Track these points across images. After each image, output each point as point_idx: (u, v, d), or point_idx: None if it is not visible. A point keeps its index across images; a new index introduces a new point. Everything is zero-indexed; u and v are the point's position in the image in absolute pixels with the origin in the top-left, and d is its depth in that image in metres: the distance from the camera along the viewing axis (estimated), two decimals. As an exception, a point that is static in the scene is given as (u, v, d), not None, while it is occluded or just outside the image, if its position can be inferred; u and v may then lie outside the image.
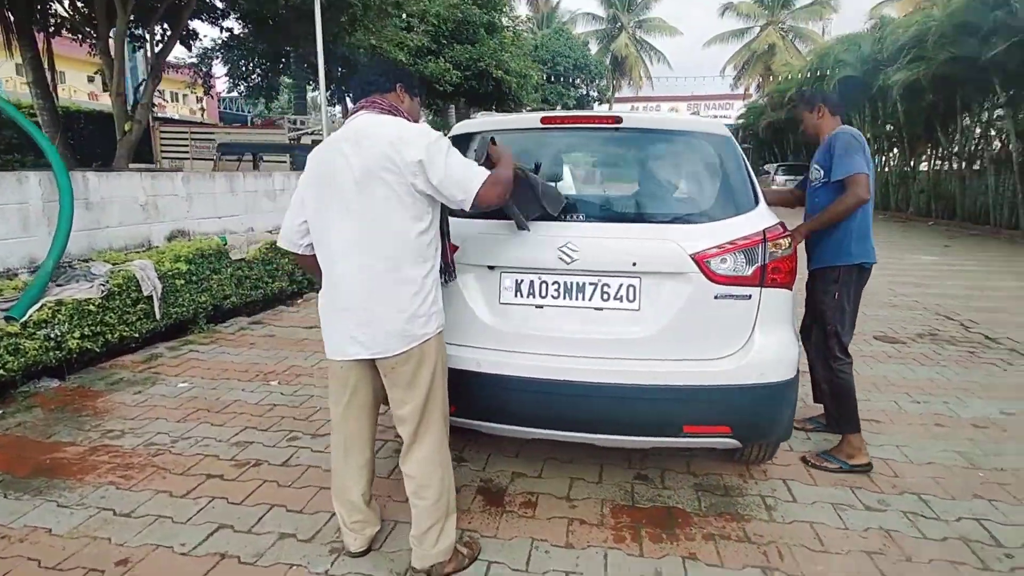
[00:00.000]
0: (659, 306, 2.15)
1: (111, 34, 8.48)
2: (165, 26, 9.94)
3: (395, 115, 1.89)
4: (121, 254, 4.73)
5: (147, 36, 9.41)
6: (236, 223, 6.33)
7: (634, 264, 2.13)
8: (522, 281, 2.26)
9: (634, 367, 2.14)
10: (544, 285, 2.24)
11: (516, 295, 2.26)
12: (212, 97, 28.67)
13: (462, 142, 2.52)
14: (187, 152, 12.31)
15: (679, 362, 2.14)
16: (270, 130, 13.72)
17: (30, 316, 3.64)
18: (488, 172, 1.82)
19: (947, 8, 12.44)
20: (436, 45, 14.22)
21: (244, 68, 16.94)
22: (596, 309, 2.20)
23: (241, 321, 5.41)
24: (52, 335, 3.73)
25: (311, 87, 16.05)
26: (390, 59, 2.10)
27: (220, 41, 14.04)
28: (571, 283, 2.21)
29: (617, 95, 44.13)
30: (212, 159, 11.42)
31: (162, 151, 12.38)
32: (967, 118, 14.95)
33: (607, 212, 2.20)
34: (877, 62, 16.09)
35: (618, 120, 2.36)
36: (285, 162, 11.00)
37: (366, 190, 1.78)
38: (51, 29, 9.10)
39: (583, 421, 2.20)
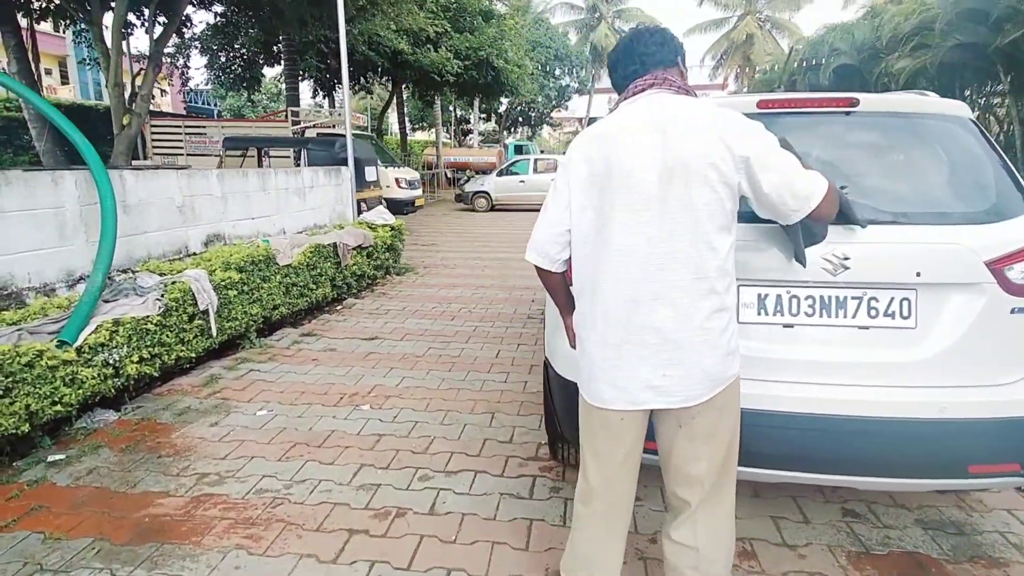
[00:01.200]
0: (942, 323, 1.81)
1: (105, 21, 7.77)
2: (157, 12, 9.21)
3: (692, 97, 1.50)
4: (165, 263, 4.20)
5: (144, 23, 8.67)
6: (269, 224, 5.80)
7: (918, 274, 1.78)
8: (767, 296, 1.89)
9: (911, 397, 1.80)
10: (795, 300, 1.88)
11: (759, 312, 1.90)
12: (179, 88, 27.45)
13: None
14: (181, 147, 11.53)
15: (963, 390, 1.81)
16: (273, 123, 12.93)
17: (84, 340, 3.12)
18: (826, 180, 1.42)
19: (954, -5, 12.43)
20: (435, 33, 13.66)
21: (226, 57, 16.10)
22: (861, 328, 1.85)
23: (290, 333, 4.92)
24: (111, 360, 3.22)
25: (303, 77, 15.32)
26: (659, 27, 1.78)
27: (209, 27, 13.21)
28: (830, 297, 1.86)
29: (597, 86, 43.85)
30: (214, 155, 10.70)
31: (154, 147, 11.58)
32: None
33: (878, 212, 1.86)
34: (876, 50, 16.13)
35: (853, 102, 2.01)
36: (289, 157, 10.37)
37: (677, 191, 1.38)
38: (36, 15, 8.30)
39: (847, 462, 1.85)
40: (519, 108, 36.67)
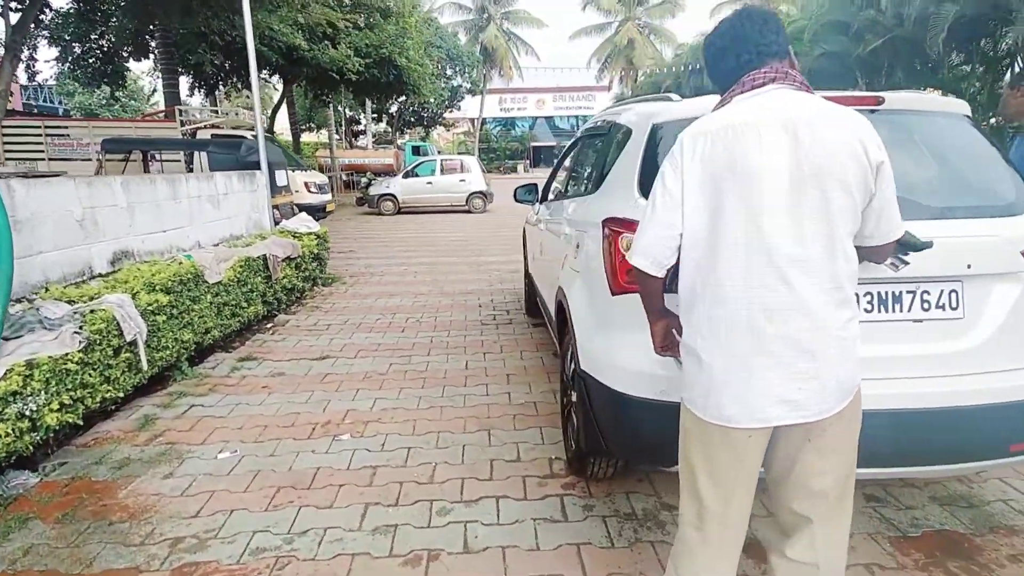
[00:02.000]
0: (985, 313, 1.90)
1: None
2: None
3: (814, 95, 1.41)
4: (71, 288, 3.54)
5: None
6: (182, 237, 5.13)
7: (968, 266, 1.85)
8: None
9: (960, 386, 1.87)
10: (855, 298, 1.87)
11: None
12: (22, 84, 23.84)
13: (667, 133, 2.07)
14: (42, 151, 9.94)
15: (1005, 374, 1.90)
16: (155, 123, 11.48)
17: (-10, 389, 2.52)
18: None
19: (820, 7, 13.82)
20: (333, 29, 12.93)
21: (82, 49, 14.21)
22: (915, 321, 1.89)
23: (225, 358, 4.36)
24: (26, 411, 2.63)
25: (183, 73, 13.83)
26: (768, 11, 1.56)
27: (60, 14, 11.57)
28: (886, 293, 1.88)
29: (489, 86, 44.13)
30: (83, 159, 9.33)
31: (7, 151, 9.88)
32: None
33: (922, 208, 1.90)
34: (752, 56, 17.56)
35: (879, 100, 2.06)
36: (180, 161, 9.32)
37: (812, 195, 1.29)
38: None
39: (904, 454, 1.89)
40: (412, 109, 35.93)
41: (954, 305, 1.89)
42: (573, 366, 2.51)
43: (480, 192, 16.40)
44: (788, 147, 1.30)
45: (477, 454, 2.90)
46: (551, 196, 4.43)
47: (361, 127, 38.84)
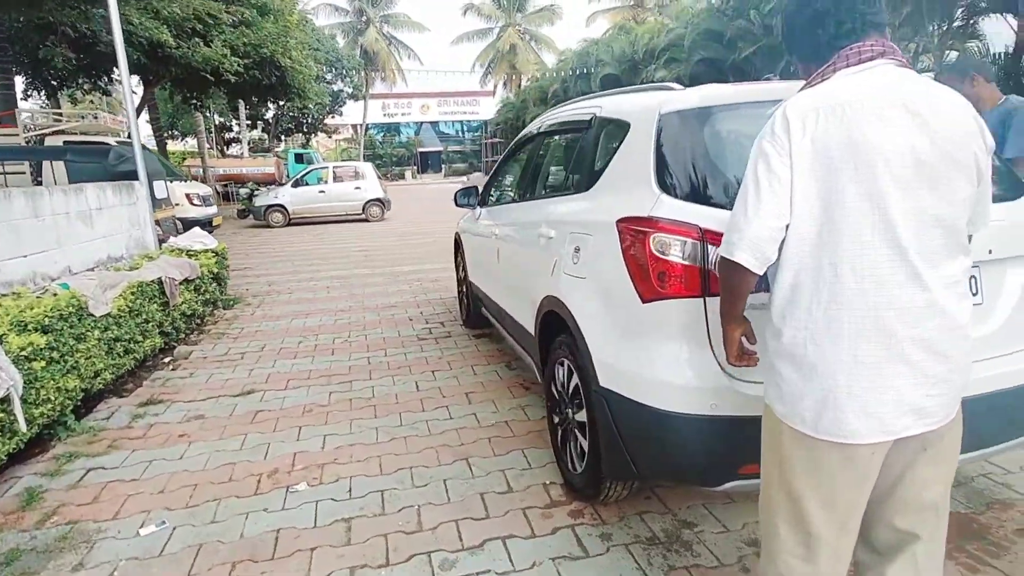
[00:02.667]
0: (1001, 297, 1.92)
1: None
2: None
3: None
4: (-92, 335, 2.73)
5: None
6: (48, 262, 4.25)
7: (990, 251, 1.85)
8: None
9: (986, 371, 1.87)
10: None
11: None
12: None
13: (681, 124, 1.93)
14: None
15: (1019, 355, 1.94)
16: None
17: None
18: None
19: (695, 16, 14.76)
20: (204, 25, 11.70)
21: None
22: (942, 310, 1.86)
23: (121, 405, 3.64)
24: None
25: (19, 72, 11.81)
26: None
27: None
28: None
29: (372, 91, 42.83)
30: None
31: None
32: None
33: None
34: (635, 62, 18.43)
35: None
36: (25, 173, 7.91)
37: (939, 183, 1.16)
38: None
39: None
40: (290, 114, 33.91)
41: (974, 291, 1.89)
42: (576, 383, 2.28)
43: (377, 199, 15.73)
44: (913, 128, 1.16)
45: (463, 489, 2.58)
46: (492, 199, 4.19)
47: (234, 134, 36.01)
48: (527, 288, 2.91)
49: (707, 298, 1.73)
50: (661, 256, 1.78)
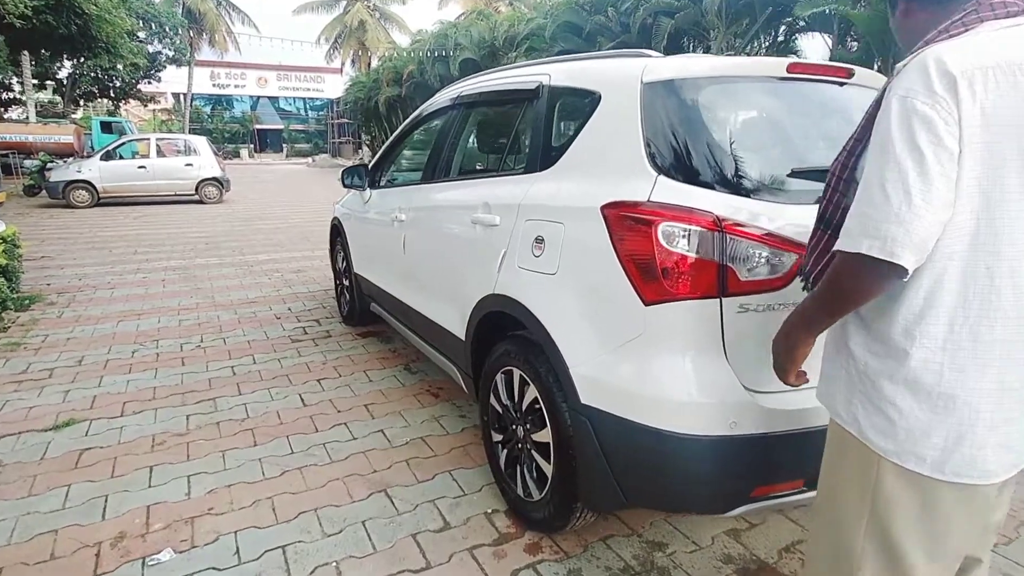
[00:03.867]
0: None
1: None
2: None
3: None
4: None
5: None
6: None
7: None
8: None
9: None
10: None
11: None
12: None
13: (672, 96, 1.68)
14: None
15: None
16: None
17: None
18: None
19: (555, 9, 14.94)
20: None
21: None
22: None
23: None
24: None
25: None
26: None
27: None
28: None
29: (198, 57, 37.99)
30: None
31: None
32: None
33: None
34: (494, 48, 18.29)
35: (850, 73, 1.94)
36: None
37: None
38: None
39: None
40: (93, 75, 28.77)
41: None
42: (535, 398, 1.93)
43: (214, 179, 13.86)
44: None
45: (389, 531, 2.11)
46: (388, 180, 3.66)
47: (15, 94, 29.58)
48: (454, 284, 2.49)
49: (723, 299, 1.48)
50: (670, 249, 1.48)
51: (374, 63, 35.71)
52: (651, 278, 1.51)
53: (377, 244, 3.51)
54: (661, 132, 1.64)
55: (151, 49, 30.48)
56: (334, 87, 45.10)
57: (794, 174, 1.60)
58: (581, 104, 1.94)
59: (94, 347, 3.97)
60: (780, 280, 1.50)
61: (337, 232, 4.41)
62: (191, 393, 3.25)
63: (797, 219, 1.49)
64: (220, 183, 13.97)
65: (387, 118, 27.47)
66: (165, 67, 33.16)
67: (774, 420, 1.47)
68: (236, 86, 46.59)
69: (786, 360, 1.19)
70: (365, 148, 34.58)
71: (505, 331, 2.15)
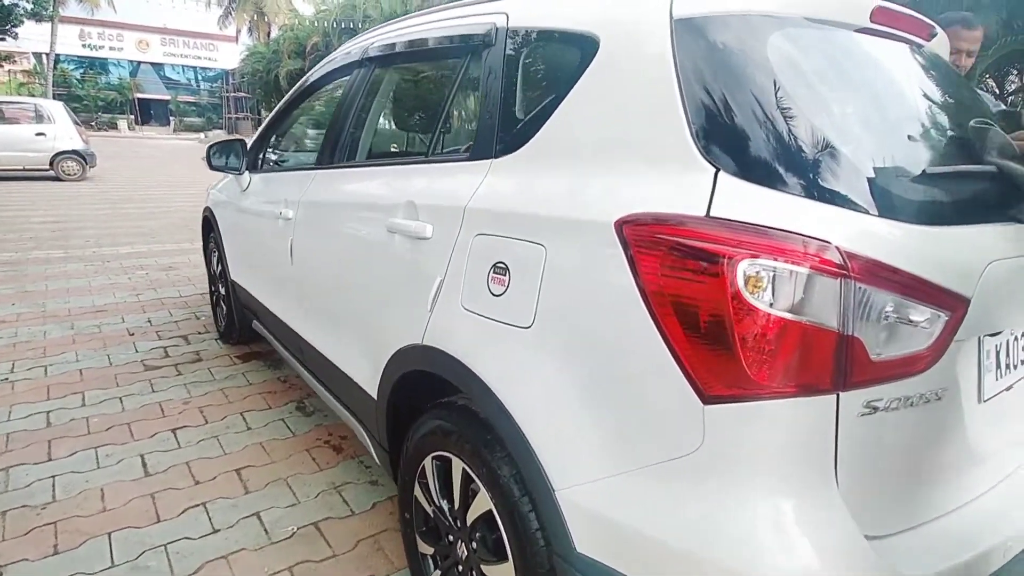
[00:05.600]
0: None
1: None
2: None
3: None
4: None
5: None
6: None
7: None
8: (1001, 347, 1.11)
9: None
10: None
11: (999, 374, 1.11)
12: None
13: (731, 40, 1.04)
14: None
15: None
16: None
17: None
18: None
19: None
20: None
21: None
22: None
23: None
24: None
25: None
26: None
27: None
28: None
29: (63, 13, 33.28)
30: None
31: None
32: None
33: None
34: (407, 23, 17.15)
35: (932, 33, 1.41)
36: None
37: None
38: None
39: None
40: (-76, 25, 24.27)
41: None
42: (491, 509, 1.23)
43: (74, 152, 11.85)
44: None
45: None
46: (272, 161, 2.79)
47: None
48: (361, 319, 1.72)
49: (841, 394, 0.85)
50: (757, 306, 0.83)
51: (274, 32, 33.01)
52: (719, 355, 0.85)
53: (257, 247, 2.63)
54: (716, 99, 0.98)
55: (5, 0, 26.24)
56: (229, 57, 41.27)
57: (925, 177, 1.00)
58: (563, 55, 1.25)
59: None
60: (926, 356, 0.89)
61: (210, 226, 3.45)
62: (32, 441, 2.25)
63: (952, 250, 0.89)
64: (83, 157, 11.97)
65: (288, 91, 25.37)
66: (23, 22, 28.73)
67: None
68: (112, 48, 41.52)
69: None
70: (265, 125, 31.95)
71: (438, 394, 1.44)
